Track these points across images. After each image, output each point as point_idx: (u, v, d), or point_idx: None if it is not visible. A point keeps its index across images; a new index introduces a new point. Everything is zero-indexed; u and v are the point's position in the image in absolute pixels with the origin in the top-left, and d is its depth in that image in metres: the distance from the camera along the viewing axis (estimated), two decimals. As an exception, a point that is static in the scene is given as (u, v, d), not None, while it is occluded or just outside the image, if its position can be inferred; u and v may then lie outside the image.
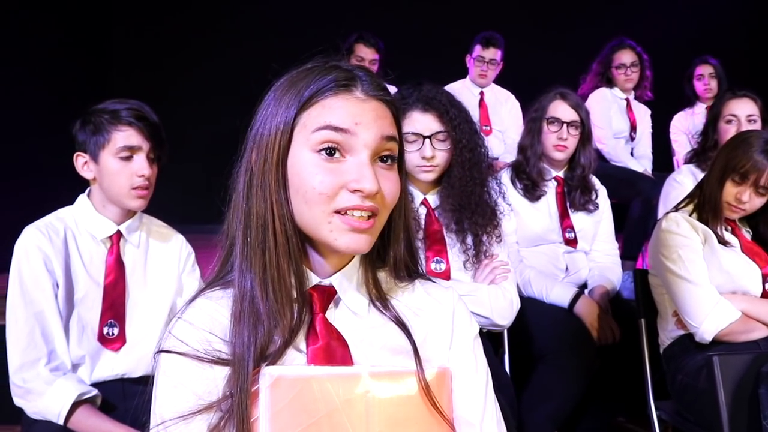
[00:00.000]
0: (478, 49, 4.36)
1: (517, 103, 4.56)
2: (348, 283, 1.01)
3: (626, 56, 4.23)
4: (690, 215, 2.20)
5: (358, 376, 0.93)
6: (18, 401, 1.78)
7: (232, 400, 0.89)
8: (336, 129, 0.91)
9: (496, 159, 4.10)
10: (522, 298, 2.20)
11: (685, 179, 2.94)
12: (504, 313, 2.04)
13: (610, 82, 4.29)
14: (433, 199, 2.10)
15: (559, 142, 2.65)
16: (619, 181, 3.76)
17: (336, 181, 0.91)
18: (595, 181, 2.82)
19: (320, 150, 0.92)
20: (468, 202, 2.04)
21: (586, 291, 2.72)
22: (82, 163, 1.87)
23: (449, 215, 2.06)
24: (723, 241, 2.14)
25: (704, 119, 3.15)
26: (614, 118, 4.27)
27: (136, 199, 1.86)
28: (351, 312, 1.01)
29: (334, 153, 0.92)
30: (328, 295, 1.00)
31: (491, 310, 2.01)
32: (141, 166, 1.84)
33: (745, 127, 2.82)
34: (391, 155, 0.96)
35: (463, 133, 2.04)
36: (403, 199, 1.01)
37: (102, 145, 1.82)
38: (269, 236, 0.94)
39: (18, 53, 4.44)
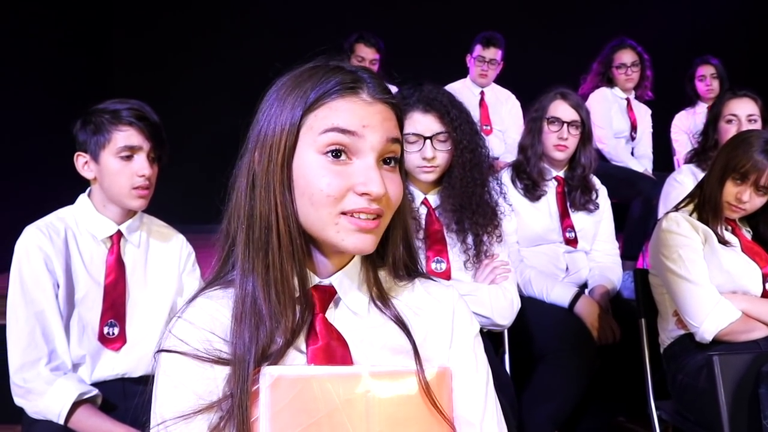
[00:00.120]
0: (478, 49, 4.36)
1: (517, 103, 4.56)
2: (348, 283, 1.01)
3: (627, 56, 4.23)
4: (690, 215, 2.20)
5: (358, 375, 0.93)
6: (18, 401, 1.78)
7: (233, 400, 0.89)
8: (343, 131, 0.91)
9: (497, 159, 4.10)
10: (522, 297, 2.20)
11: (685, 179, 2.94)
12: (504, 312, 2.04)
13: (610, 82, 4.29)
14: (433, 199, 2.10)
15: (560, 142, 2.65)
16: (620, 181, 3.76)
17: (343, 183, 0.91)
18: (596, 180, 2.82)
19: (327, 152, 0.92)
20: (469, 202, 2.04)
21: (586, 291, 2.72)
22: (82, 163, 1.87)
23: (450, 215, 2.06)
24: (723, 241, 2.14)
25: (705, 119, 3.15)
26: (615, 118, 4.27)
27: (136, 199, 1.86)
28: (351, 312, 1.01)
29: (340, 155, 0.92)
30: (328, 295, 1.00)
31: (492, 310, 2.01)
32: (141, 166, 1.84)
33: (746, 126, 2.81)
34: (395, 157, 0.97)
35: (464, 133, 2.04)
36: (403, 199, 1.01)
37: (102, 145, 1.82)
38: (273, 237, 0.94)
39: (18, 53, 4.44)
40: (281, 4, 5.91)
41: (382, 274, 1.06)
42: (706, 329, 2.05)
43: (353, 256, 1.02)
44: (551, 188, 2.75)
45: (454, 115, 2.03)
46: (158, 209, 2.02)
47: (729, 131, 2.83)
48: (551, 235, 2.73)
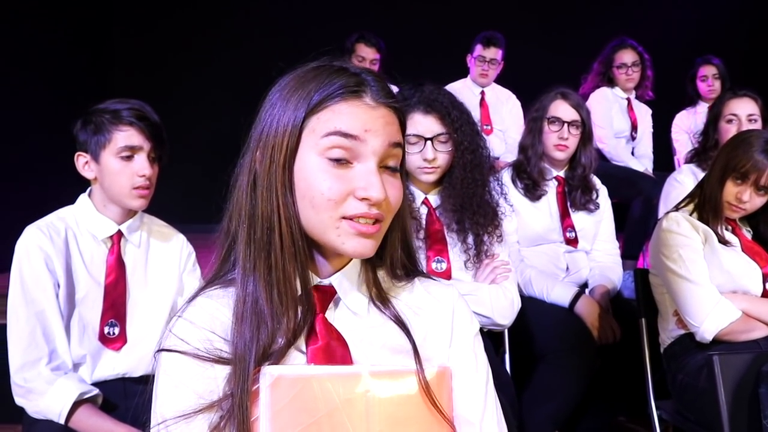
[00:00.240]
0: (479, 49, 4.36)
1: (518, 103, 4.56)
2: (348, 283, 1.01)
3: (627, 56, 4.23)
4: (690, 215, 2.20)
5: (358, 375, 0.93)
6: (19, 401, 1.79)
7: (233, 400, 0.89)
8: (345, 135, 0.91)
9: (497, 158, 4.10)
10: (523, 297, 2.20)
11: (685, 179, 2.94)
12: (505, 312, 2.04)
13: (611, 82, 4.29)
14: (434, 198, 2.10)
15: (560, 142, 2.66)
16: (620, 181, 3.76)
17: (344, 187, 0.91)
18: (596, 180, 2.82)
19: (328, 155, 0.92)
20: (470, 203, 2.04)
21: (586, 290, 2.72)
22: (83, 163, 1.88)
23: (450, 215, 2.06)
24: (723, 241, 2.14)
25: (705, 119, 3.15)
26: (615, 118, 4.27)
27: (137, 199, 1.86)
28: (351, 312, 1.01)
29: (341, 159, 0.92)
30: (329, 295, 1.00)
31: (492, 310, 2.01)
32: (142, 166, 1.84)
33: (746, 126, 2.82)
34: (396, 161, 0.96)
35: (465, 135, 2.04)
36: (402, 201, 1.01)
37: (103, 145, 1.82)
38: (275, 238, 0.94)
39: (19, 53, 4.45)
40: (282, 3, 5.91)
41: (382, 275, 1.06)
42: (707, 329, 2.05)
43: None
44: (552, 188, 2.75)
45: (455, 116, 2.03)
46: (158, 209, 2.02)
47: (729, 131, 2.83)
48: (552, 234, 2.73)
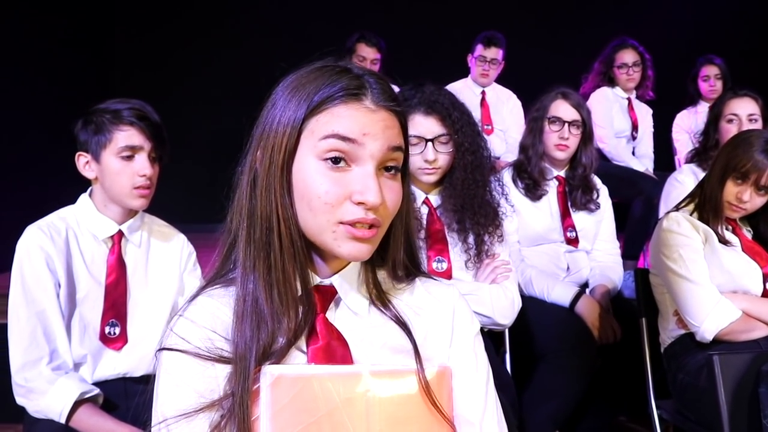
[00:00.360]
0: (479, 49, 4.37)
1: (518, 103, 4.56)
2: (348, 284, 1.01)
3: (628, 56, 4.23)
4: (691, 215, 2.20)
5: (358, 374, 0.93)
6: (20, 400, 1.79)
7: (234, 399, 0.89)
8: (343, 138, 0.91)
9: (498, 158, 4.10)
10: (523, 297, 2.20)
11: (686, 179, 2.94)
12: (505, 312, 2.04)
13: (611, 82, 4.29)
14: (435, 198, 2.11)
15: (561, 142, 2.66)
16: (621, 181, 3.76)
17: (341, 191, 0.91)
18: (597, 180, 2.82)
19: (326, 158, 0.91)
20: (470, 203, 2.04)
21: (587, 290, 2.72)
22: (83, 163, 1.88)
23: (451, 215, 2.06)
24: (724, 241, 2.14)
25: (706, 118, 3.15)
26: (616, 118, 4.27)
27: (137, 199, 1.87)
28: (351, 312, 1.01)
29: (339, 161, 0.92)
30: (329, 295, 1.00)
31: (493, 310, 2.01)
32: (142, 166, 1.84)
33: (746, 126, 2.82)
34: (396, 165, 0.96)
35: (466, 135, 2.03)
36: (405, 203, 1.01)
37: (103, 145, 1.82)
38: (274, 238, 0.94)
39: (20, 52, 4.45)
40: (282, 4, 5.91)
41: (383, 275, 1.06)
42: (707, 329, 2.05)
43: None
44: (552, 188, 2.75)
45: (455, 117, 2.03)
46: (159, 209, 2.02)
47: (730, 131, 2.83)
48: (552, 234, 2.73)
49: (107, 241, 1.92)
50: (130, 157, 1.83)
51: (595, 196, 2.77)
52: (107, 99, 1.89)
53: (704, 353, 2.04)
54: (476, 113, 3.59)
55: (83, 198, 1.93)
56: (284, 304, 0.94)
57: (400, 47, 4.71)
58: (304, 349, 0.96)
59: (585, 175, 2.74)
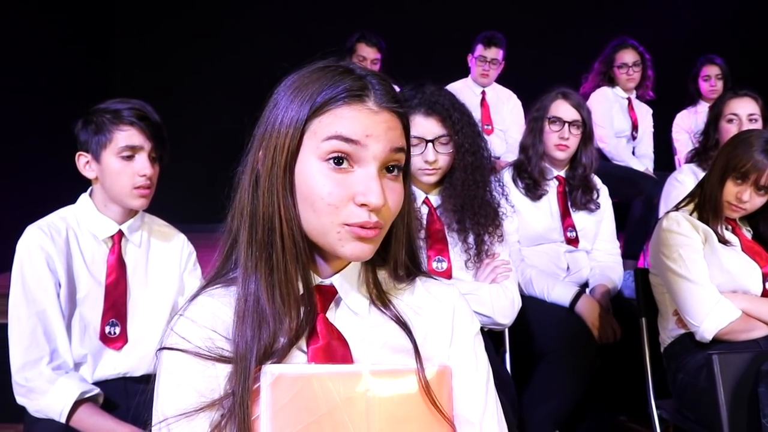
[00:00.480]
0: (479, 49, 4.37)
1: (518, 103, 4.56)
2: (349, 284, 1.01)
3: (628, 56, 4.23)
4: (691, 214, 2.20)
5: (358, 374, 0.94)
6: (20, 400, 1.79)
7: (234, 398, 0.89)
8: (346, 140, 0.91)
9: (498, 158, 4.10)
10: (523, 297, 2.20)
11: (686, 178, 2.95)
12: (505, 312, 2.04)
13: (612, 82, 4.29)
14: (435, 198, 2.11)
15: (561, 142, 2.66)
16: (621, 181, 3.76)
17: (344, 193, 0.91)
18: (597, 180, 2.82)
19: (329, 159, 0.91)
20: (470, 203, 2.04)
21: (587, 290, 2.72)
22: (83, 163, 1.88)
23: (451, 215, 2.06)
24: (723, 241, 2.14)
25: (706, 118, 3.15)
26: (616, 118, 4.27)
27: (137, 199, 1.87)
28: (351, 312, 1.01)
29: (342, 162, 0.91)
30: (329, 295, 1.00)
31: (493, 309, 2.02)
32: (143, 166, 1.84)
33: (747, 126, 2.82)
34: (398, 165, 0.96)
35: (466, 136, 2.03)
36: (407, 203, 1.01)
37: (104, 145, 1.83)
38: (276, 239, 0.94)
39: (19, 52, 4.45)
40: (282, 4, 5.91)
41: (383, 274, 1.06)
42: (707, 328, 2.05)
43: None
44: (552, 188, 2.75)
45: (456, 118, 2.03)
46: (159, 209, 2.03)
47: (730, 131, 2.84)
48: (552, 234, 2.74)
49: (107, 241, 1.92)
50: (130, 157, 1.83)
51: (595, 195, 2.77)
52: (107, 99, 1.89)
53: (704, 353, 2.04)
54: (476, 113, 3.60)
55: (83, 198, 1.93)
56: (286, 305, 0.94)
57: (400, 47, 4.71)
58: (305, 348, 0.96)
59: (585, 175, 2.74)
